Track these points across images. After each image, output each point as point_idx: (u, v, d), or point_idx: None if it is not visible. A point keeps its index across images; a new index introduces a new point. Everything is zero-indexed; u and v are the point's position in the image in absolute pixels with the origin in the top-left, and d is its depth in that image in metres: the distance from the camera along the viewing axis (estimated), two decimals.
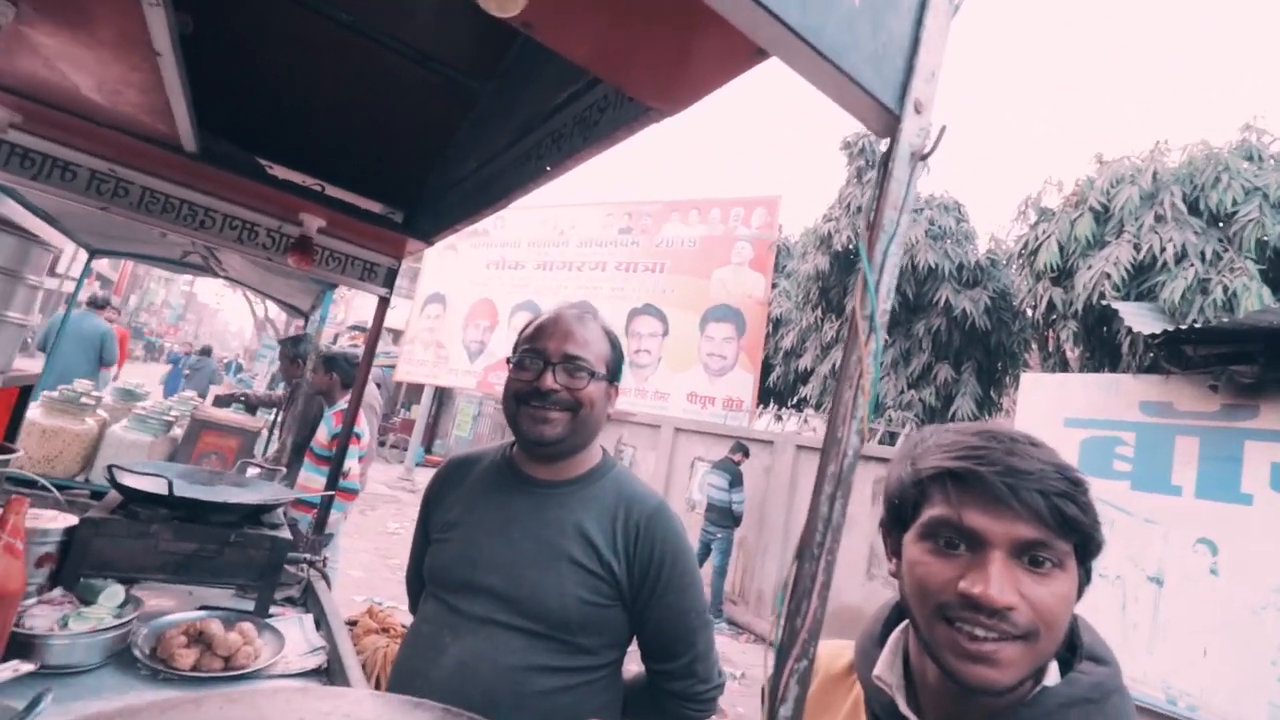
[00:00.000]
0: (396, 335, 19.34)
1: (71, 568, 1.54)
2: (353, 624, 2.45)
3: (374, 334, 2.53)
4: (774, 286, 10.82)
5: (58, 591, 1.47)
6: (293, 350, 4.08)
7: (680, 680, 1.20)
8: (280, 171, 2.22)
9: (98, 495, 2.10)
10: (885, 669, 0.77)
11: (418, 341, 14.31)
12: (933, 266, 8.25)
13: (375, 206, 2.44)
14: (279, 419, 4.49)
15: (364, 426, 3.88)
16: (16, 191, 2.78)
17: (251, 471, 2.37)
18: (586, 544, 1.18)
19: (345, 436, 2.46)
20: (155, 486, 1.65)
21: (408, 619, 1.48)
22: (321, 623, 1.80)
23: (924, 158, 0.55)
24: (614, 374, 1.32)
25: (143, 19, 1.11)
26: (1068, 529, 0.65)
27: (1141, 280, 5.72)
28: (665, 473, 9.21)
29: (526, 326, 1.32)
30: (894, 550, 0.76)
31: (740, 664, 6.25)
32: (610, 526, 1.20)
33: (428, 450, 16.81)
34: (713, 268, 11.14)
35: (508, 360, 1.30)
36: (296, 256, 2.12)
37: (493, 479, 1.32)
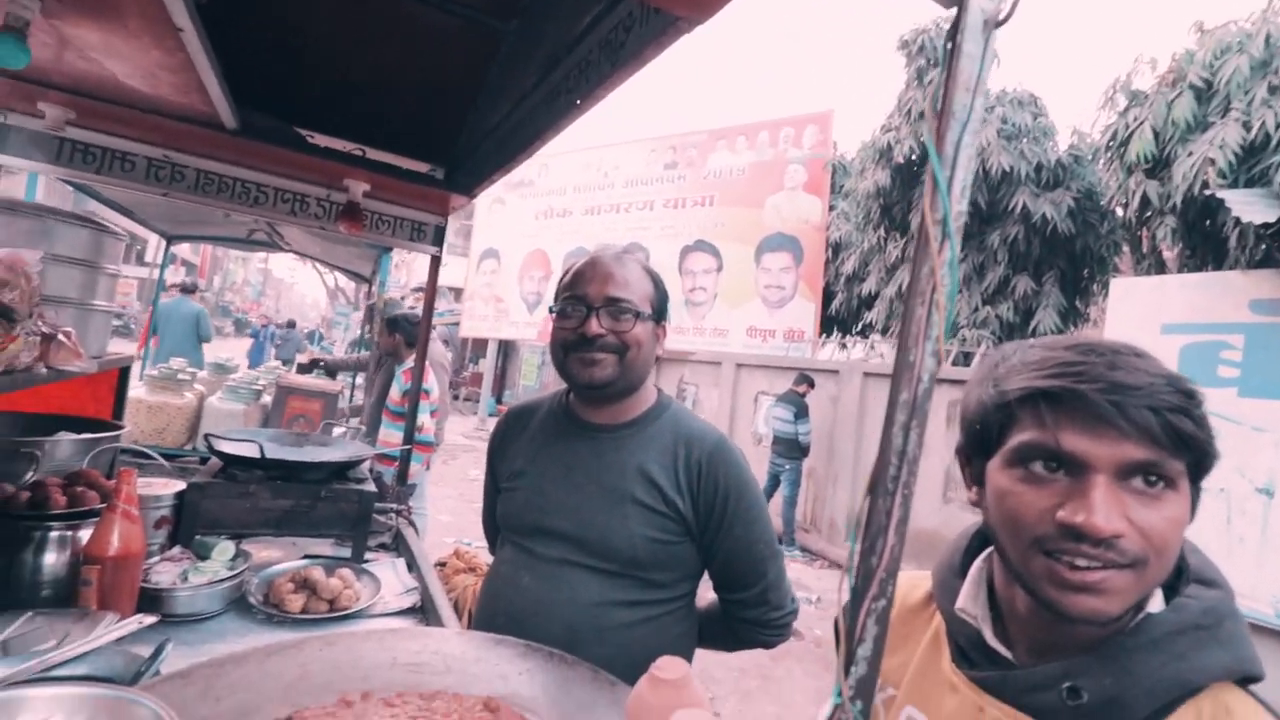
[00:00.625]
0: (458, 293, 19.83)
1: (186, 528, 1.68)
2: (442, 565, 2.60)
3: (430, 293, 2.57)
4: (831, 209, 10.32)
5: (176, 549, 1.62)
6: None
7: (753, 608, 1.22)
8: (322, 140, 2.24)
9: (205, 461, 2.28)
10: (968, 601, 0.73)
11: (477, 298, 14.62)
12: (1007, 170, 7.60)
13: (419, 166, 2.44)
14: (364, 381, 4.72)
15: (432, 382, 4.02)
16: (90, 188, 2.94)
17: (336, 431, 2.52)
18: (649, 484, 1.19)
19: (415, 393, 2.56)
20: (248, 451, 1.76)
21: (490, 559, 1.56)
22: (413, 565, 1.91)
23: (999, 24, 0.47)
24: (659, 312, 1.29)
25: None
26: (1182, 447, 0.58)
27: (1252, 163, 5.08)
28: (729, 409, 9.20)
29: (565, 274, 1.30)
30: (975, 478, 0.71)
31: (816, 589, 6.35)
32: (672, 465, 1.21)
33: (498, 400, 17.42)
34: (765, 195, 10.72)
35: (550, 310, 1.29)
36: (346, 223, 2.16)
37: (552, 427, 1.34)
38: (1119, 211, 6.76)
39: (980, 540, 0.78)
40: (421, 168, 2.45)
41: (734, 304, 10.87)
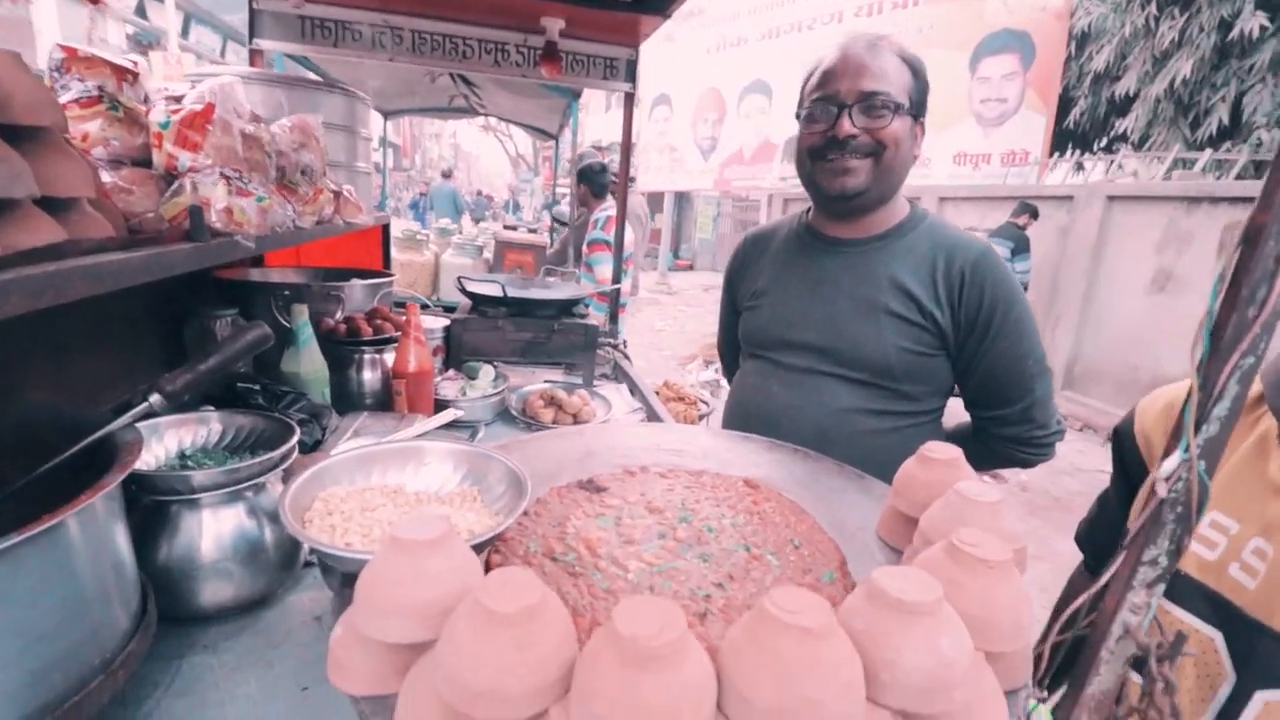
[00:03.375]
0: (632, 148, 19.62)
1: (454, 355, 2.01)
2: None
3: (626, 137, 2.57)
4: None
5: (451, 371, 1.95)
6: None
7: (1015, 425, 1.18)
8: None
9: (447, 309, 2.65)
10: None
11: (650, 149, 14.36)
12: None
13: None
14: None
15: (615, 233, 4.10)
16: (319, 67, 3.25)
17: (550, 279, 2.76)
18: (905, 296, 1.15)
19: (619, 238, 2.66)
20: (493, 290, 2.01)
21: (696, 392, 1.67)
22: (635, 390, 2.12)
23: None
24: (919, 107, 1.16)
25: None
26: None
27: None
28: None
29: (811, 74, 1.20)
30: None
31: None
32: (930, 277, 1.15)
33: (676, 255, 17.66)
34: None
35: (796, 115, 1.21)
36: (548, 65, 2.18)
37: (794, 246, 1.32)
38: None
39: None
40: None
41: (939, 127, 9.40)
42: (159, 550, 0.87)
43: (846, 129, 1.11)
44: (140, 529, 0.85)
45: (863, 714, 0.41)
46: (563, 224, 4.93)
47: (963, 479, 0.65)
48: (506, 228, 5.26)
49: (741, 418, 1.34)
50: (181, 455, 0.99)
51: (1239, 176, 6.15)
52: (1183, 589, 0.68)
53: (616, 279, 2.66)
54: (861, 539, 0.78)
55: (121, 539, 0.74)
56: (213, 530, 0.90)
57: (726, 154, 12.80)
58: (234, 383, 1.31)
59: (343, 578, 0.62)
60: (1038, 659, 0.55)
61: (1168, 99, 6.85)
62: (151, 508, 0.87)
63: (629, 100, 2.52)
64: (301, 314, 1.52)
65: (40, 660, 0.62)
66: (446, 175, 10.48)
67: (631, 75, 2.47)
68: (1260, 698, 0.62)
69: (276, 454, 0.94)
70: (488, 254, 3.74)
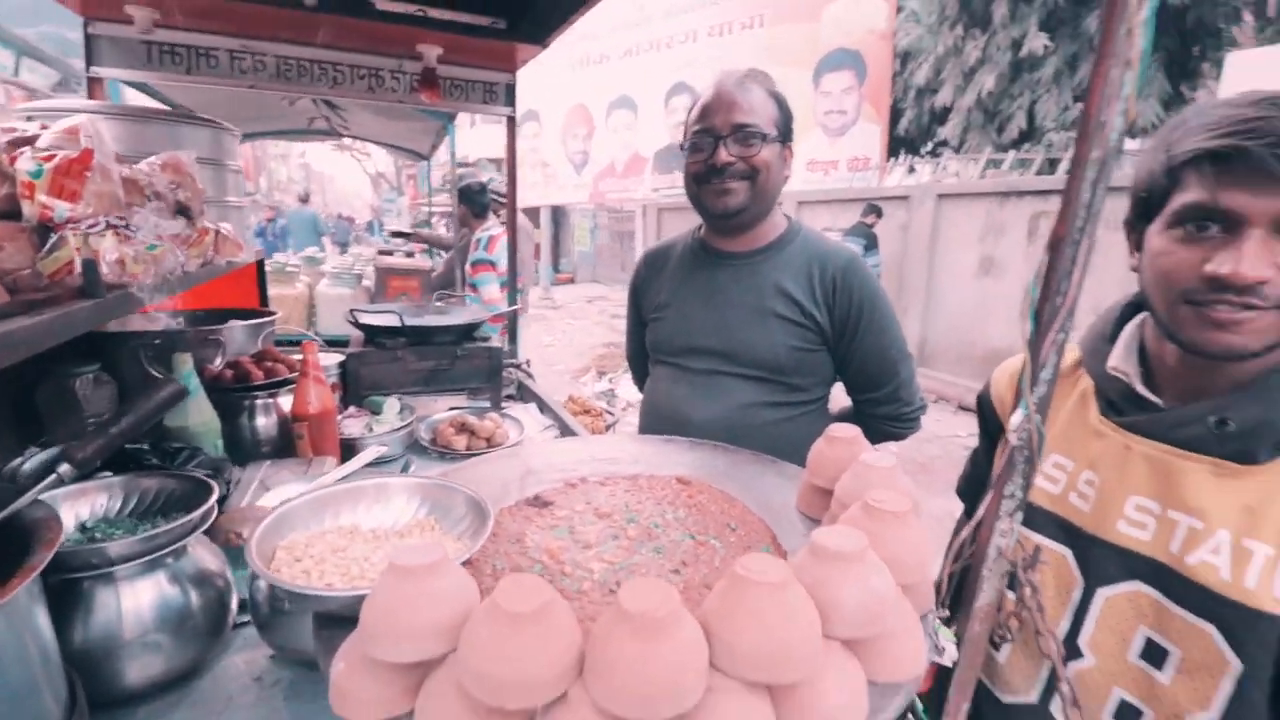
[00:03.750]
0: (499, 164, 19.42)
1: (352, 391, 1.94)
2: None
3: (510, 160, 2.61)
4: (899, 11, 9.21)
5: (352, 408, 1.89)
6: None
7: (887, 405, 1.36)
8: (384, 4, 2.19)
9: (331, 342, 2.51)
10: (1120, 360, 0.82)
11: (523, 164, 14.23)
12: None
13: (478, 20, 2.36)
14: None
15: (498, 253, 4.06)
16: (163, 95, 2.99)
17: (438, 304, 2.71)
18: (788, 300, 1.31)
19: (512, 259, 2.68)
20: (390, 321, 1.97)
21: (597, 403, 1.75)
22: (544, 408, 2.15)
23: None
24: (785, 134, 1.32)
25: None
26: None
27: None
28: None
29: (691, 108, 1.34)
30: (1137, 245, 0.77)
31: None
32: (808, 283, 1.31)
33: (556, 269, 17.62)
34: (822, 5, 9.61)
35: (681, 146, 1.34)
36: (427, 91, 2.17)
37: (690, 261, 1.45)
38: None
39: (1130, 310, 0.86)
40: (481, 21, 2.37)
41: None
42: (74, 632, 0.80)
43: (723, 158, 1.26)
44: (52, 611, 0.79)
45: (821, 647, 0.50)
46: (401, 235, 4.80)
47: (863, 452, 0.78)
48: (381, 253, 5.05)
49: (657, 419, 1.44)
50: (82, 528, 0.92)
51: (1038, 172, 7.25)
52: (1037, 518, 0.85)
53: (513, 300, 2.68)
54: (785, 514, 0.89)
55: (45, 624, 0.69)
56: (132, 603, 0.85)
57: (599, 168, 13.04)
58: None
59: (320, 620, 0.63)
60: (937, 588, 0.68)
61: (977, 109, 7.95)
62: (61, 587, 0.81)
63: (511, 124, 2.55)
64: (185, 363, 1.42)
65: None
66: (304, 200, 9.75)
67: (511, 99, 2.51)
68: (1101, 594, 0.80)
69: (196, 514, 0.90)
70: (367, 282, 3.59)
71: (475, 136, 15.99)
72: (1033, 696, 0.86)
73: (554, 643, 0.46)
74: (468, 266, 3.81)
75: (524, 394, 2.39)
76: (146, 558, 0.85)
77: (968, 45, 8.07)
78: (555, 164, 13.68)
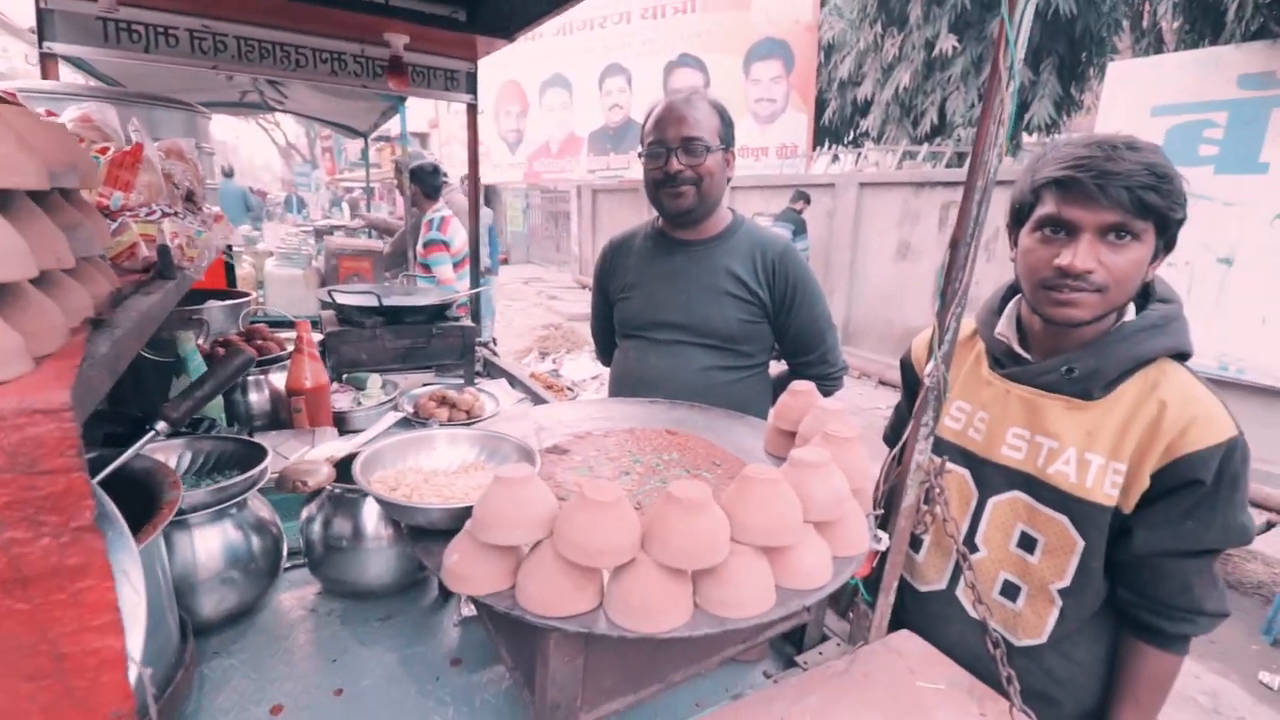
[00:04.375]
0: (423, 139, 18.79)
1: (334, 368, 2.04)
2: None
3: (472, 144, 2.70)
4: (823, 5, 9.62)
5: (336, 384, 1.99)
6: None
7: (816, 367, 1.63)
8: None
9: (275, 324, 2.53)
10: (1004, 327, 1.10)
11: (454, 141, 13.97)
12: None
13: (437, 10, 2.43)
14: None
15: (453, 233, 4.14)
16: (89, 66, 2.86)
17: (386, 284, 2.79)
18: (736, 280, 1.55)
19: (474, 240, 2.79)
20: (368, 301, 2.07)
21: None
22: (514, 383, 2.31)
23: None
24: (727, 142, 1.55)
25: None
26: (1145, 211, 0.89)
27: None
28: None
29: (646, 121, 1.56)
30: (1014, 243, 1.03)
31: None
32: (752, 266, 1.56)
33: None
34: None
35: (639, 154, 1.57)
36: (394, 78, 2.25)
37: (651, 248, 1.67)
38: None
39: (1012, 290, 1.13)
40: (442, 11, 2.45)
41: None
42: None
43: (674, 167, 1.49)
44: None
45: (802, 525, 0.73)
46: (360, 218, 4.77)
47: (818, 401, 1.02)
48: (322, 233, 4.96)
49: (628, 384, 1.66)
50: None
51: (948, 165, 7.86)
52: (944, 448, 1.12)
53: (475, 281, 2.80)
54: (756, 454, 1.12)
55: (165, 558, 0.83)
56: (204, 546, 0.98)
57: (533, 147, 12.94)
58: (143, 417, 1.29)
59: (414, 532, 0.80)
60: (874, 501, 0.93)
61: (895, 102, 8.50)
62: None
63: (472, 111, 2.65)
64: (189, 341, 1.50)
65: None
66: (229, 175, 9.37)
67: (473, 88, 2.60)
68: (991, 502, 1.08)
69: (255, 471, 1.04)
70: (317, 263, 3.58)
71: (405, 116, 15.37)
72: (942, 584, 1.14)
73: (626, 523, 0.66)
74: (419, 247, 3.85)
75: (490, 370, 2.53)
76: (216, 507, 0.98)
77: (886, 42, 8.59)
78: (488, 142, 13.44)
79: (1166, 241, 0.95)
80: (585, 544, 0.64)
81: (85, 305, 0.60)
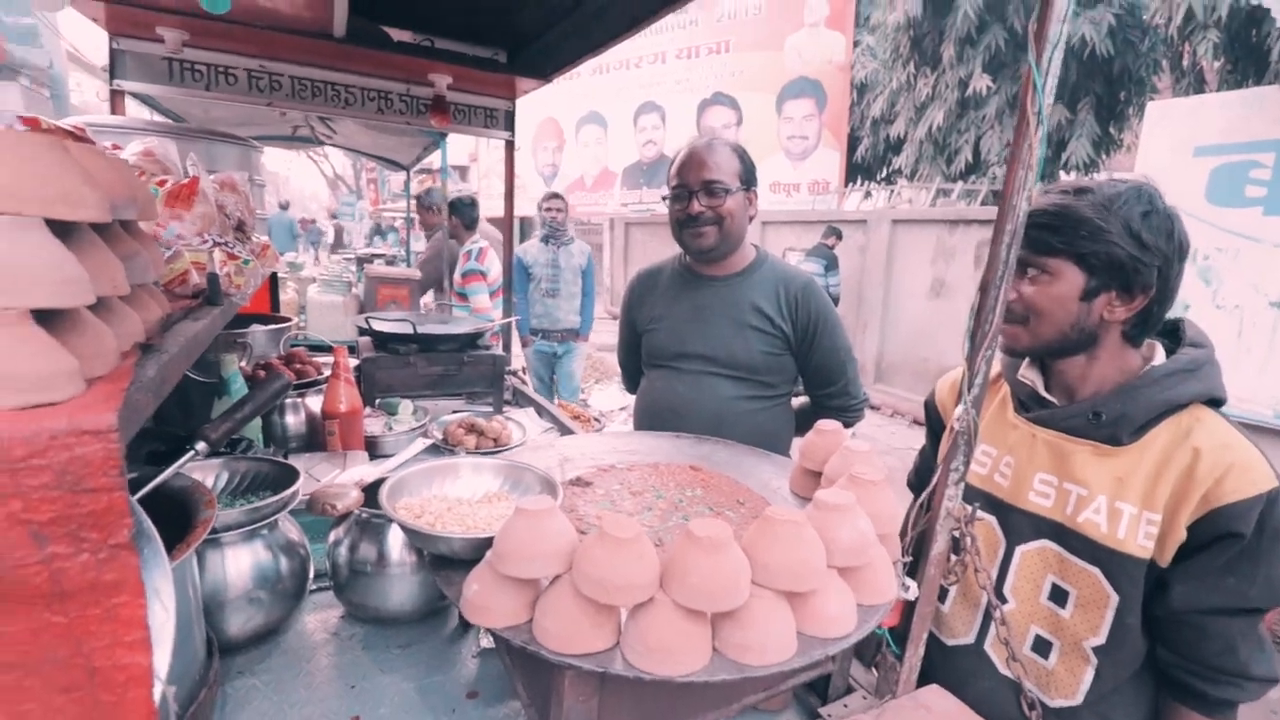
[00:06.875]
0: (463, 171, 19.39)
1: (369, 392, 2.09)
2: None
3: (509, 179, 2.79)
4: (855, 45, 9.75)
5: (368, 409, 2.03)
6: (427, 200, 4.46)
7: (838, 399, 1.64)
8: (394, 34, 2.36)
9: (315, 349, 2.60)
10: (1026, 370, 1.07)
11: (492, 174, 14.38)
12: None
13: (480, 52, 2.54)
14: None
15: (490, 263, 4.26)
16: (153, 101, 3.05)
17: (439, 313, 2.86)
18: (761, 314, 1.58)
19: (508, 270, 2.85)
20: (403, 329, 2.12)
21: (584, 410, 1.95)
22: (542, 412, 2.33)
23: None
24: (747, 182, 1.59)
25: None
26: (1040, 248, 0.95)
27: None
28: None
29: (671, 164, 1.62)
30: None
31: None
32: (775, 300, 1.58)
33: None
34: (785, 35, 10.09)
35: (664, 198, 1.64)
36: (437, 116, 2.34)
37: (678, 282, 1.70)
38: (1161, 28, 6.40)
39: None
40: (484, 53, 2.56)
41: (756, 159, 10.61)
42: None
43: (695, 209, 1.54)
44: None
45: (825, 569, 0.71)
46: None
47: (845, 440, 1.00)
48: (363, 261, 5.13)
49: (654, 413, 1.68)
50: None
51: (984, 203, 7.79)
52: (971, 495, 1.09)
53: (507, 310, 2.85)
54: (781, 494, 1.10)
55: (196, 575, 0.85)
56: (235, 565, 1.00)
57: (568, 181, 13.24)
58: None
59: (435, 561, 0.81)
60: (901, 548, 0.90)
61: (928, 140, 8.50)
62: None
63: (509, 148, 2.74)
64: (232, 364, 1.55)
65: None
66: (284, 207, 10.10)
67: (511, 125, 2.70)
68: (1019, 550, 1.03)
69: (287, 493, 1.06)
70: (357, 290, 3.69)
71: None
72: (970, 638, 1.10)
73: (645, 560, 0.66)
74: (457, 276, 3.95)
75: (519, 399, 2.55)
76: (248, 527, 1.01)
77: (919, 82, 8.64)
78: (525, 175, 13.81)
79: (1129, 283, 0.93)
80: (604, 580, 0.64)
81: (137, 330, 0.63)
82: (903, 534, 0.94)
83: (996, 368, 1.15)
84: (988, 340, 0.78)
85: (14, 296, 0.44)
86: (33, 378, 0.44)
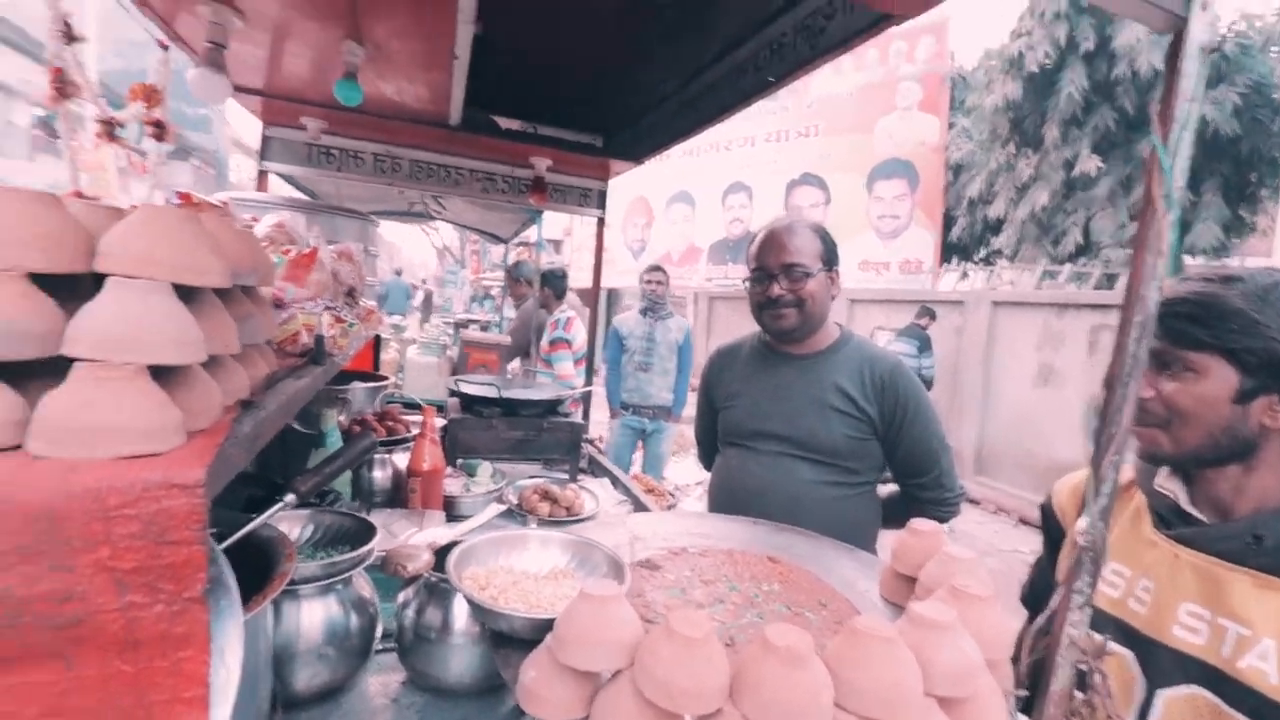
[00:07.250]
0: (557, 245, 20.52)
1: (450, 453, 2.14)
2: None
3: (598, 253, 2.90)
4: (950, 127, 9.69)
5: (450, 469, 2.08)
6: (516, 272, 4.72)
7: (930, 490, 1.51)
8: (501, 122, 2.57)
9: (408, 406, 2.71)
10: (1165, 479, 0.94)
11: (584, 248, 15.10)
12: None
13: (579, 137, 2.71)
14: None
15: (575, 331, 4.38)
16: (296, 180, 3.44)
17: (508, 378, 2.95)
18: (844, 396, 1.50)
19: (591, 345, 2.91)
20: (488, 392, 2.19)
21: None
22: (616, 483, 2.30)
23: (1213, 51, 0.64)
24: (829, 262, 1.56)
25: (454, 35, 1.42)
26: (1184, 341, 0.86)
27: None
28: None
29: (751, 245, 1.62)
30: None
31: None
32: (860, 382, 1.51)
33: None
34: (875, 118, 10.20)
35: (744, 282, 1.63)
36: (536, 195, 2.49)
37: (758, 359, 1.67)
38: None
39: None
40: (582, 138, 2.72)
41: (844, 237, 10.57)
42: None
43: (775, 292, 1.51)
44: None
45: (923, 700, 0.63)
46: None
47: (944, 544, 0.90)
48: (460, 325, 5.43)
49: (729, 493, 1.60)
50: None
51: (1095, 286, 7.29)
52: (1100, 621, 0.94)
53: (588, 380, 2.90)
54: (869, 597, 1.00)
55: (269, 630, 0.86)
56: (309, 618, 1.01)
57: (655, 255, 13.65)
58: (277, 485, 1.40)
59: (496, 638, 0.78)
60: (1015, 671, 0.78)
61: (1031, 221, 8.16)
62: None
63: (600, 225, 2.86)
64: (331, 418, 1.64)
65: None
66: (399, 274, 11.47)
67: (603, 204, 2.83)
68: (1161, 695, 0.87)
69: (363, 550, 1.08)
70: (450, 352, 3.89)
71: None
72: None
73: (714, 663, 0.60)
74: (544, 343, 4.09)
75: (595, 468, 2.54)
76: (325, 581, 1.02)
77: (1020, 162, 8.40)
78: (614, 249, 14.41)
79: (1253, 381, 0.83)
80: (668, 683, 0.58)
81: (243, 386, 0.67)
82: (1014, 658, 0.82)
83: (1128, 474, 1.02)
84: (1114, 444, 0.69)
85: (136, 354, 0.48)
86: (141, 430, 0.47)
